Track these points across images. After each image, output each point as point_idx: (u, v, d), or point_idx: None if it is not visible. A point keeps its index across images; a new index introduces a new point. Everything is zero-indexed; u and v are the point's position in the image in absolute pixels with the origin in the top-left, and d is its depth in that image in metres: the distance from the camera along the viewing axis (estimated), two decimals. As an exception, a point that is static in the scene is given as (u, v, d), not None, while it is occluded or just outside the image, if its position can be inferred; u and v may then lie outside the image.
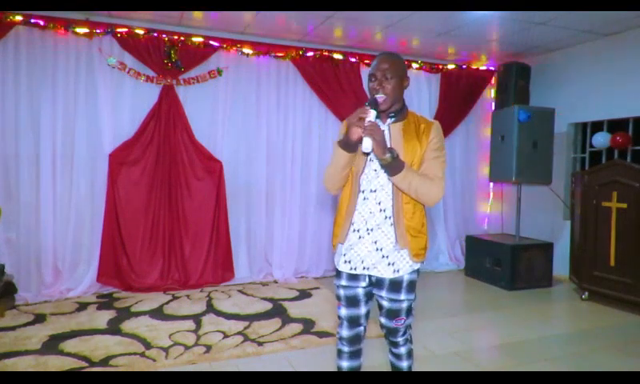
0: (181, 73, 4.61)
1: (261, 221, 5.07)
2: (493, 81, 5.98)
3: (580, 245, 4.51)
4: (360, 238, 1.91)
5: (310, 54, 5.09)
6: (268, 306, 4.16)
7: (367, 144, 1.76)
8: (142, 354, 3.04)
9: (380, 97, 1.86)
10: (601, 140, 4.84)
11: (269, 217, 5.11)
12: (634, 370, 2.96)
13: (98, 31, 4.32)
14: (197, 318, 3.76)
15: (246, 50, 4.86)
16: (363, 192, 1.91)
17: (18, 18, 4.04)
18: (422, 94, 5.70)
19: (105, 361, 2.93)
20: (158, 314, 3.87)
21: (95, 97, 4.39)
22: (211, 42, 4.70)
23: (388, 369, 2.91)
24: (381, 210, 1.90)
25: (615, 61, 4.75)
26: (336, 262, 2.01)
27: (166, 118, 4.58)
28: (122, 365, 2.89)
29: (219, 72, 4.77)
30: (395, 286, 1.92)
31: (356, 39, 5.05)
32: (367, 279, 1.94)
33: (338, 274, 2.00)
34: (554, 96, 5.38)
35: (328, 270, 5.36)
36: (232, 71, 4.84)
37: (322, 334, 3.48)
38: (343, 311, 2.01)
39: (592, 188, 4.36)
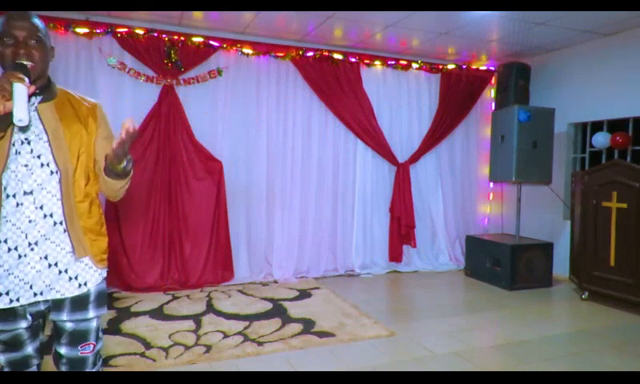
0: (181, 73, 4.61)
1: (261, 221, 5.08)
2: (493, 81, 5.98)
3: (580, 245, 4.51)
4: (20, 257, 1.47)
5: (310, 53, 5.09)
6: (268, 305, 4.16)
7: (22, 113, 1.33)
8: (142, 354, 3.04)
9: (29, 64, 1.44)
10: (601, 140, 4.84)
11: (269, 217, 5.11)
12: (633, 370, 2.96)
13: (98, 31, 4.32)
14: (197, 318, 3.76)
15: (246, 50, 4.86)
16: (14, 196, 1.46)
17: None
18: (422, 94, 5.71)
19: (105, 361, 2.93)
20: (157, 314, 3.87)
21: (95, 97, 4.33)
22: (211, 42, 4.70)
23: (388, 369, 2.92)
24: (46, 216, 1.49)
25: (615, 61, 4.75)
26: None
27: (166, 118, 4.58)
28: (122, 365, 2.89)
29: (219, 72, 4.78)
30: (80, 303, 1.56)
31: (356, 39, 5.05)
32: (35, 309, 1.55)
33: None
34: (554, 96, 5.38)
35: (328, 269, 5.36)
36: (232, 71, 4.84)
37: (321, 334, 3.48)
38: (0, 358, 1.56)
39: (592, 188, 4.37)
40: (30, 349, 1.62)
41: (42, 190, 1.49)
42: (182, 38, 4.58)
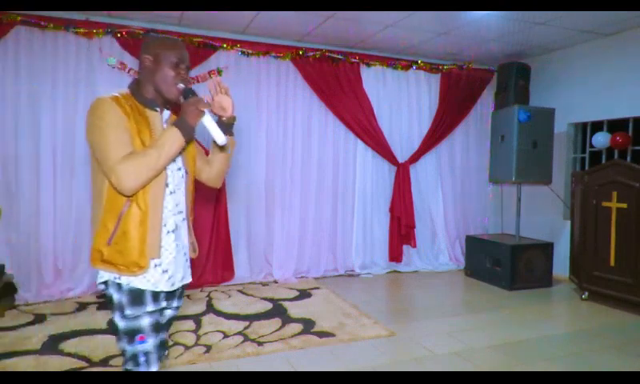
0: (181, 73, 4.60)
1: (261, 221, 5.08)
2: (493, 81, 5.98)
3: (580, 245, 4.51)
4: (177, 245, 1.68)
5: (310, 54, 5.09)
6: (268, 305, 4.16)
7: (222, 136, 1.65)
8: (142, 354, 3.04)
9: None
10: (601, 140, 4.84)
11: (269, 217, 5.11)
12: (633, 370, 2.96)
13: (97, 31, 4.32)
14: (197, 318, 3.76)
15: (246, 50, 4.86)
16: (169, 193, 1.66)
17: (18, 18, 4.04)
18: (422, 94, 5.71)
19: (105, 361, 2.93)
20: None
21: (95, 97, 4.37)
22: (211, 42, 4.70)
23: (388, 369, 2.92)
24: (180, 212, 1.71)
25: (615, 61, 4.75)
26: (150, 285, 1.61)
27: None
28: (122, 365, 2.89)
29: (219, 72, 4.78)
30: (182, 291, 1.80)
31: (356, 39, 5.05)
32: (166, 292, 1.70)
33: (141, 298, 1.60)
34: (554, 96, 5.38)
35: (328, 269, 5.36)
36: (232, 71, 4.84)
37: (321, 334, 3.48)
38: (149, 343, 1.62)
39: (592, 188, 4.36)
40: (163, 335, 1.74)
41: (178, 190, 1.69)
42: (182, 38, 4.57)
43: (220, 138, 1.65)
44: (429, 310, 4.23)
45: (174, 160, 1.65)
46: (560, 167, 5.33)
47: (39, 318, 3.68)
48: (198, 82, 4.70)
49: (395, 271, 5.58)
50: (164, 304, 1.69)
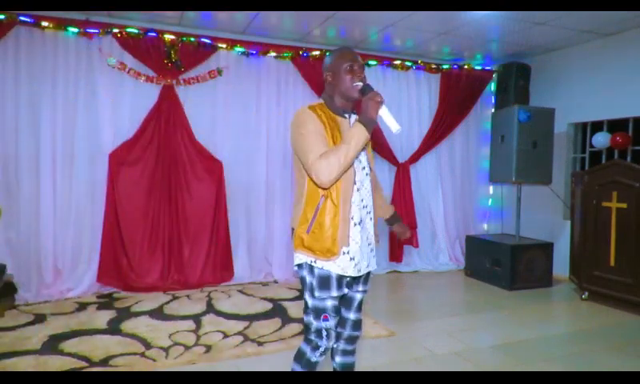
0: (181, 73, 4.61)
1: (261, 221, 5.07)
2: (493, 81, 5.98)
3: (580, 245, 4.51)
4: (362, 236, 1.90)
5: (310, 53, 5.09)
6: (268, 306, 4.16)
7: (397, 124, 1.85)
8: (142, 354, 3.04)
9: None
10: (601, 140, 4.84)
11: (269, 217, 5.10)
12: (633, 370, 2.96)
13: (98, 31, 4.32)
14: (197, 318, 3.76)
15: (246, 50, 4.86)
16: (357, 190, 1.89)
17: (18, 18, 4.04)
18: (422, 94, 5.71)
19: (105, 361, 2.93)
20: (158, 314, 3.87)
21: (95, 97, 4.39)
22: (211, 42, 4.70)
23: (388, 369, 2.92)
24: (364, 206, 1.93)
25: (615, 61, 4.75)
26: (340, 269, 1.85)
27: (166, 118, 4.58)
28: (122, 365, 2.89)
29: (219, 72, 4.77)
30: (368, 277, 2.06)
31: (356, 39, 5.05)
32: (347, 281, 1.92)
33: (327, 284, 1.86)
34: (554, 96, 5.38)
35: (328, 269, 5.35)
36: (232, 71, 4.84)
37: (321, 334, 3.47)
38: (331, 322, 1.91)
39: (592, 188, 4.36)
40: (359, 315, 2.10)
41: (362, 187, 1.92)
42: (182, 38, 4.58)
43: (395, 126, 1.84)
44: (429, 310, 4.23)
45: (359, 160, 1.90)
46: (560, 167, 5.33)
47: (39, 318, 3.68)
48: (198, 81, 4.71)
49: (395, 271, 5.58)
50: (345, 291, 1.92)
